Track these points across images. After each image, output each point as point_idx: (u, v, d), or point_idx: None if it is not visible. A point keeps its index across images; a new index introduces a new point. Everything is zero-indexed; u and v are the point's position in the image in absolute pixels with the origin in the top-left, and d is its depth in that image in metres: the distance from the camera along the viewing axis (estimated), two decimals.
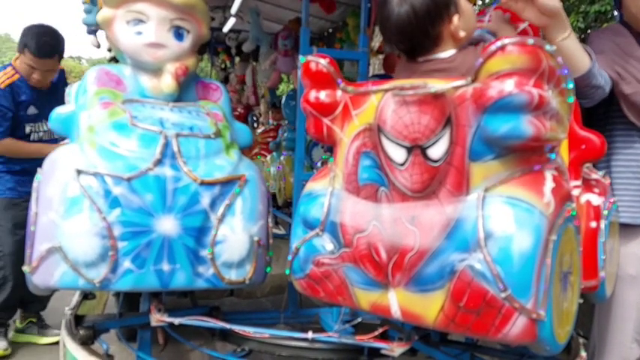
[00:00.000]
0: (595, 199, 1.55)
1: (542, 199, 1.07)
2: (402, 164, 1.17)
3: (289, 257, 1.35)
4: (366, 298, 1.23)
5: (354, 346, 1.55)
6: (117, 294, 2.35)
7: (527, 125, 1.03)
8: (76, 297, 1.90)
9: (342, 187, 1.30)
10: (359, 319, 1.62)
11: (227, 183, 1.49)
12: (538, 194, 1.07)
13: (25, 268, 1.41)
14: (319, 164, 3.05)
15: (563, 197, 1.12)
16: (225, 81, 5.85)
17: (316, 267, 1.29)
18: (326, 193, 1.32)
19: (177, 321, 1.51)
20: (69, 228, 1.36)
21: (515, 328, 1.03)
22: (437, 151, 1.13)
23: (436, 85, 1.12)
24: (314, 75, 1.33)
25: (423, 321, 1.14)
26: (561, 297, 1.12)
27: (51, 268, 1.38)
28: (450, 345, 1.70)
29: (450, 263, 1.08)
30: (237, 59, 5.87)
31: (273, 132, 4.30)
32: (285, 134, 3.68)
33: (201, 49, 4.72)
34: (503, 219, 1.05)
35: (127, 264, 1.39)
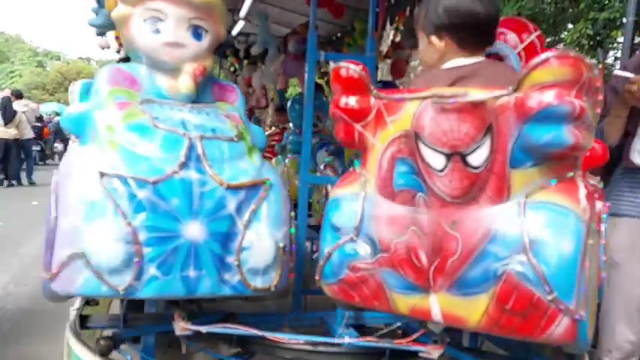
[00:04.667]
0: (598, 204, 1.63)
1: (580, 205, 1.12)
2: (441, 170, 1.19)
3: (320, 262, 1.35)
4: (404, 302, 1.24)
5: (373, 349, 1.56)
6: None
7: (568, 134, 1.08)
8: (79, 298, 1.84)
9: (374, 192, 1.31)
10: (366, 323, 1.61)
11: (252, 187, 1.47)
12: (575, 200, 1.12)
13: (44, 275, 1.34)
14: (322, 167, 3.06)
15: (593, 203, 1.17)
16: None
17: (352, 272, 1.29)
18: (358, 198, 1.32)
19: (203, 329, 1.48)
20: (92, 233, 1.30)
21: (560, 328, 1.08)
22: (477, 158, 1.15)
23: (477, 94, 1.15)
24: (345, 81, 1.34)
25: (465, 323, 1.17)
26: (591, 297, 1.17)
27: (73, 274, 1.32)
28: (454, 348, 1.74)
29: (495, 267, 1.11)
30: (245, 62, 5.83)
31: (279, 135, 4.31)
32: (291, 137, 3.71)
33: None
34: (547, 225, 1.09)
35: (152, 270, 1.34)
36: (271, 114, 5.67)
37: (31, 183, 9.51)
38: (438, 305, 1.19)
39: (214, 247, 1.40)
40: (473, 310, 1.15)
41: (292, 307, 2.11)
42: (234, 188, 1.43)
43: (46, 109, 16.98)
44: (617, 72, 1.82)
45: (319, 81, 4.08)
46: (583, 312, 1.07)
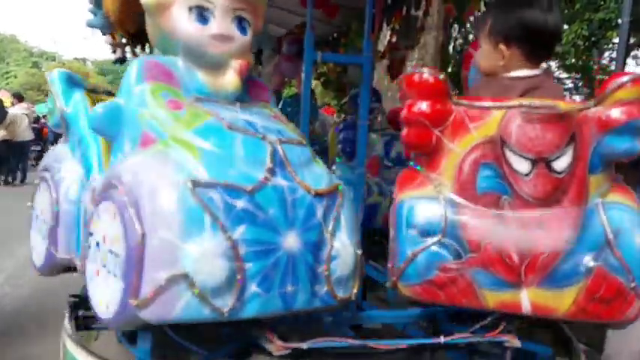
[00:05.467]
0: None
1: (636, 204, 1.32)
2: (527, 175, 1.30)
3: (399, 264, 1.35)
4: (494, 298, 1.32)
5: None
6: None
7: (638, 144, 1.27)
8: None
9: (453, 194, 1.36)
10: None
11: (331, 194, 1.40)
12: (633, 200, 1.33)
13: (132, 302, 1.12)
14: None
15: None
16: None
17: (442, 272, 1.32)
18: (437, 200, 1.36)
19: (305, 345, 1.35)
20: (194, 250, 1.12)
21: (633, 310, 1.26)
22: (561, 164, 1.29)
23: (564, 106, 1.28)
24: (422, 86, 1.37)
25: (553, 313, 1.29)
26: None
27: (172, 299, 1.12)
28: (450, 349, 1.85)
29: (584, 262, 1.26)
30: None
31: None
32: None
33: None
34: (623, 222, 1.27)
35: (253, 288, 1.20)
36: None
37: (22, 182, 9.56)
38: (528, 299, 1.30)
39: (308, 258, 1.30)
40: (562, 301, 1.27)
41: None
42: (320, 195, 1.35)
43: (42, 109, 14.70)
44: None
45: (313, 82, 3.96)
46: None
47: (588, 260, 1.26)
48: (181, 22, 1.38)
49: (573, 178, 1.30)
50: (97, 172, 1.54)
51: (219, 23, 1.40)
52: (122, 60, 2.51)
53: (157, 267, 1.12)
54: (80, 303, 1.75)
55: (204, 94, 1.41)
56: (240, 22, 1.46)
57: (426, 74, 1.36)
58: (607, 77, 1.39)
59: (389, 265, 1.43)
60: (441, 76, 1.36)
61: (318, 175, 1.40)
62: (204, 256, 1.13)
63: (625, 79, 1.25)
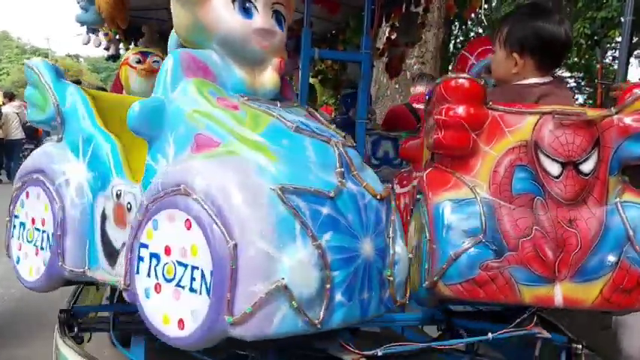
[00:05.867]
0: None
1: None
2: (557, 177, 1.39)
3: (441, 265, 1.38)
4: (530, 293, 1.39)
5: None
6: (111, 294, 1.98)
7: None
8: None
9: (488, 196, 1.42)
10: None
11: (388, 197, 1.37)
12: None
13: (225, 317, 1.02)
14: None
15: None
16: None
17: (484, 271, 1.37)
18: (474, 201, 1.41)
19: (380, 351, 1.30)
20: (289, 260, 1.05)
21: None
22: (587, 166, 1.40)
23: (591, 112, 1.39)
24: (460, 91, 1.41)
25: (582, 304, 1.40)
26: None
27: (271, 313, 1.04)
28: (451, 353, 1.94)
29: (610, 256, 1.38)
30: None
31: None
32: None
33: None
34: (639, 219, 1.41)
35: (338, 297, 1.14)
36: None
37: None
38: (560, 292, 1.39)
39: (379, 264, 1.28)
40: (590, 293, 1.38)
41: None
42: (382, 199, 1.32)
43: None
44: None
45: (312, 80, 3.74)
46: None
47: (613, 255, 1.38)
48: (224, 14, 1.30)
49: (597, 180, 1.41)
50: (116, 176, 1.39)
51: (263, 17, 1.33)
52: (115, 57, 2.35)
53: (254, 280, 1.04)
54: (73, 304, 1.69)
55: (242, 91, 1.34)
56: (278, 16, 1.39)
57: (465, 79, 1.40)
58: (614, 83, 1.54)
59: (426, 266, 1.45)
60: (480, 82, 1.41)
61: (374, 179, 1.38)
62: (300, 265, 1.07)
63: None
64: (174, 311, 1.13)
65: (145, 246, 1.19)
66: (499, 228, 1.40)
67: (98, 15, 1.93)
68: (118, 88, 2.48)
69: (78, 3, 2.20)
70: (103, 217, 1.41)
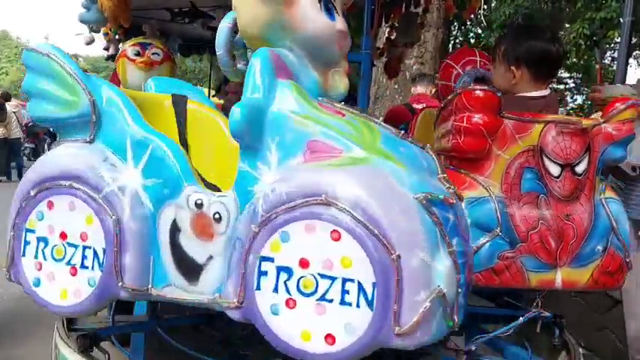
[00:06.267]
0: None
1: (619, 198, 1.75)
2: (558, 177, 1.62)
3: None
4: (536, 278, 1.61)
5: None
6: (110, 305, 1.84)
7: (626, 153, 1.68)
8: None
9: (501, 194, 1.61)
10: None
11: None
12: (617, 195, 1.75)
13: (397, 331, 1.06)
14: None
15: None
16: (226, 81, 4.29)
17: (502, 261, 1.57)
18: (490, 199, 1.59)
19: (474, 346, 1.40)
20: (441, 267, 1.09)
21: (623, 276, 1.68)
22: (581, 168, 1.64)
23: (585, 122, 1.62)
24: (481, 100, 1.57)
25: (576, 286, 1.64)
26: None
27: (430, 320, 1.08)
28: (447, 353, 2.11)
29: (600, 244, 1.63)
30: None
31: None
32: None
33: (201, 48, 4.04)
34: (618, 212, 1.67)
35: (461, 299, 1.19)
36: None
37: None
38: (560, 276, 1.62)
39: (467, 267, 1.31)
40: (583, 276, 1.63)
41: None
42: (462, 200, 1.35)
43: None
44: None
45: None
46: None
47: (602, 243, 1.63)
48: (312, 13, 1.25)
49: (587, 179, 1.65)
50: (188, 183, 1.30)
51: (341, 19, 1.32)
52: (115, 57, 2.25)
53: (417, 289, 1.07)
54: None
55: (315, 94, 1.31)
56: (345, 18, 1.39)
57: (485, 91, 1.57)
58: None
59: None
60: (498, 94, 1.58)
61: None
62: (450, 272, 1.11)
63: (626, 104, 1.63)
64: (317, 327, 1.11)
65: (270, 259, 1.14)
66: (511, 222, 1.60)
67: (101, 14, 1.88)
68: (115, 83, 2.34)
69: (82, 3, 2.08)
70: (175, 229, 1.29)
